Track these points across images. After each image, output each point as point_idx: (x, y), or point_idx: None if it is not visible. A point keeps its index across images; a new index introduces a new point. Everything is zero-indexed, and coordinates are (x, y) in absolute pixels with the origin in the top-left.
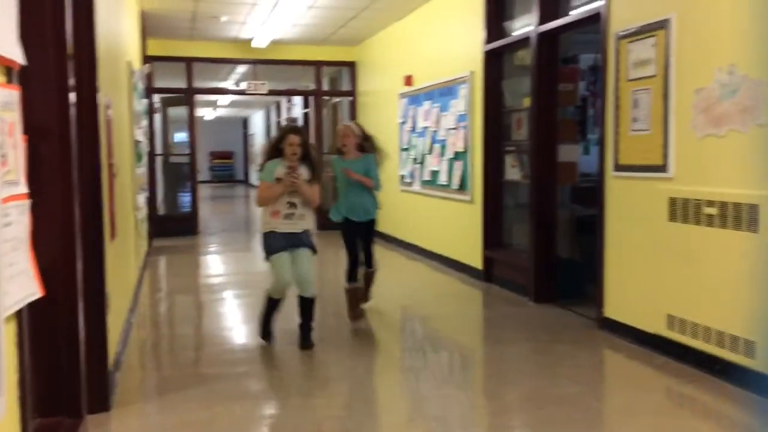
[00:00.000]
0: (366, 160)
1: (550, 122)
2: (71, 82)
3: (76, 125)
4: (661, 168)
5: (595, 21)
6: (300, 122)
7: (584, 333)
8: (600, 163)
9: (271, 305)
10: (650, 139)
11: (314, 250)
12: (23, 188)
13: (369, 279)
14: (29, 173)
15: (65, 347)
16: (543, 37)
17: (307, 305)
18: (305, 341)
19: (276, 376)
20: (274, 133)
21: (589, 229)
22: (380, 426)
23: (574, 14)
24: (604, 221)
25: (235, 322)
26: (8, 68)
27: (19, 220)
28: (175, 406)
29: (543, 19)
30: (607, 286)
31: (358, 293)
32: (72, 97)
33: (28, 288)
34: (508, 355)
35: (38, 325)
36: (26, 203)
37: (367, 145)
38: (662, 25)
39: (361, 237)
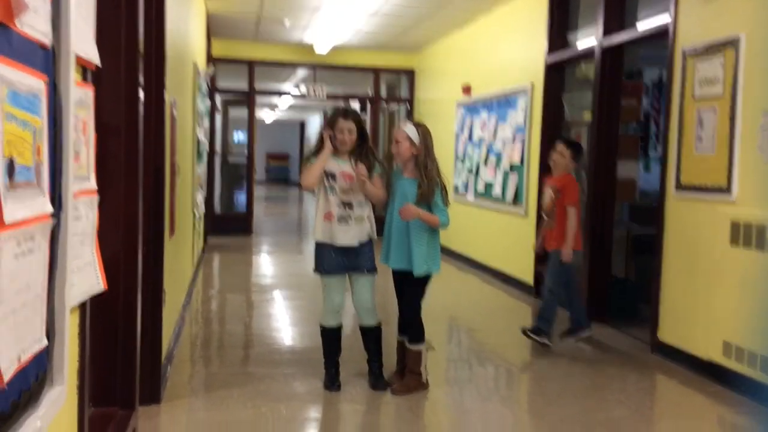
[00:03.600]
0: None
1: (611, 138)
2: (141, 81)
3: (143, 123)
4: (725, 190)
5: (661, 36)
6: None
7: (635, 355)
8: (661, 181)
9: (329, 339)
10: (714, 159)
11: (375, 270)
12: (93, 184)
13: (407, 356)
14: (97, 169)
15: (122, 339)
16: (607, 50)
17: (370, 336)
18: (376, 381)
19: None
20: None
21: (646, 249)
22: None
23: (641, 29)
24: (663, 242)
25: (284, 324)
26: (84, 68)
27: (88, 215)
28: (222, 403)
29: (608, 32)
30: (663, 308)
31: (401, 351)
32: (141, 96)
33: (92, 281)
34: (555, 374)
35: (98, 316)
36: (95, 198)
37: (430, 160)
38: (731, 44)
39: (401, 290)
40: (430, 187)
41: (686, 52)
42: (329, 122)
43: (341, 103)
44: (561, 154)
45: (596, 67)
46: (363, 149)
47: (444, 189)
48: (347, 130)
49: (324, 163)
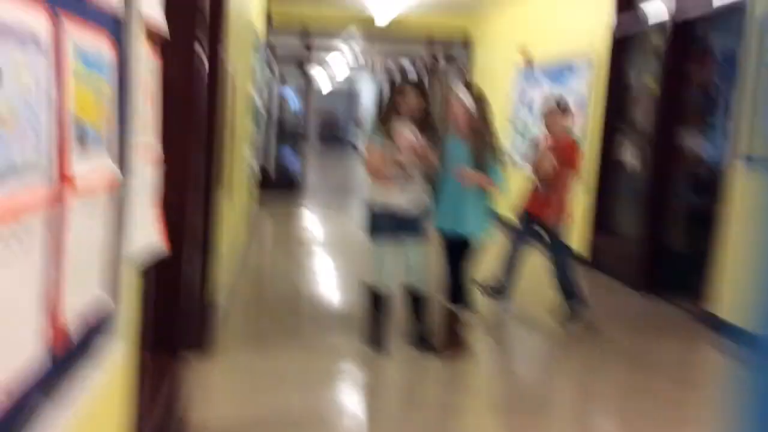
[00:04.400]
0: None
1: (676, 109)
2: (204, 48)
3: (206, 88)
4: None
5: (736, 8)
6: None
7: (689, 328)
8: (726, 153)
9: (377, 301)
10: None
11: (426, 236)
12: (157, 147)
13: (453, 320)
14: (162, 133)
15: (180, 293)
16: (677, 20)
17: (418, 300)
18: (422, 343)
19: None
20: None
21: (704, 221)
22: (467, 403)
23: (716, 5)
24: (725, 215)
25: (332, 283)
26: (151, 35)
27: (152, 177)
28: (268, 354)
29: (680, 6)
30: (719, 282)
31: (453, 321)
32: (204, 62)
33: (153, 238)
34: (608, 346)
35: (157, 270)
36: (158, 161)
37: (483, 130)
38: None
39: (452, 255)
40: (484, 150)
41: (761, 21)
42: (396, 90)
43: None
44: (554, 116)
45: (665, 36)
46: (426, 120)
47: (498, 150)
48: (413, 95)
49: (392, 166)
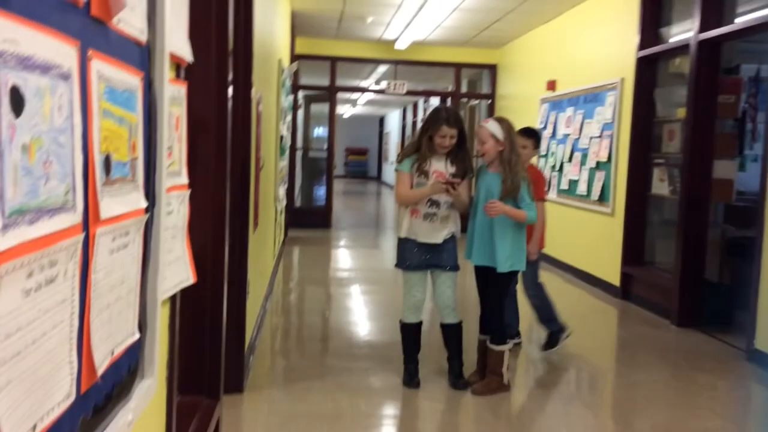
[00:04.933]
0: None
1: (707, 135)
2: (230, 78)
3: (231, 119)
4: None
5: (762, 30)
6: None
7: (730, 363)
8: (762, 182)
9: (408, 335)
10: None
11: (458, 268)
12: (184, 179)
13: (489, 356)
14: (188, 164)
15: (209, 330)
16: (704, 45)
17: (451, 333)
18: (456, 379)
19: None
20: (409, 132)
21: (742, 252)
22: None
23: (741, 22)
24: (763, 244)
25: (363, 318)
26: (178, 65)
27: (180, 209)
28: (302, 394)
29: (705, 26)
30: (761, 315)
31: (488, 355)
32: (229, 92)
33: (183, 274)
34: (643, 380)
35: (186, 308)
36: (186, 193)
37: (510, 156)
38: None
39: (484, 288)
40: (515, 182)
41: None
42: (433, 126)
43: (421, 99)
44: (524, 146)
45: (692, 61)
46: (460, 152)
47: (529, 183)
48: (449, 136)
49: (426, 197)
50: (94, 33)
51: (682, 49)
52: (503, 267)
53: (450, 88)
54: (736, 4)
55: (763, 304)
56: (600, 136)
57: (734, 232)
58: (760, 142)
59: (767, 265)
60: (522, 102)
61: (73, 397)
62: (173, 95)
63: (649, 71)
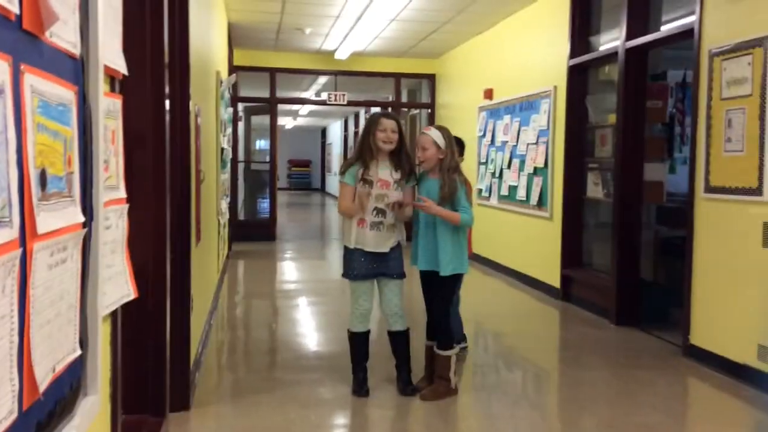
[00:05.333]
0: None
1: (637, 139)
2: (166, 90)
3: (169, 132)
4: (756, 191)
5: (687, 37)
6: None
7: (667, 359)
8: (690, 183)
9: (357, 344)
10: (744, 160)
11: (404, 276)
12: (122, 193)
13: (436, 361)
14: (126, 178)
15: (152, 347)
16: (631, 52)
17: (399, 341)
18: (405, 386)
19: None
20: (351, 142)
21: (675, 251)
22: None
23: (665, 30)
24: (693, 244)
25: (310, 329)
26: (112, 78)
27: (118, 223)
28: (251, 409)
29: (631, 34)
30: (694, 311)
31: (435, 360)
32: (166, 105)
33: (123, 289)
34: (586, 379)
35: (128, 324)
36: (124, 207)
37: (450, 163)
38: (759, 42)
39: (429, 293)
40: (452, 188)
41: (713, 52)
42: (371, 122)
43: (362, 110)
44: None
45: (620, 68)
46: (401, 154)
47: (468, 188)
48: (390, 129)
49: (366, 206)
50: (26, 47)
51: (610, 57)
52: (446, 270)
53: (390, 97)
54: (661, 13)
55: (696, 300)
56: (536, 143)
57: (667, 232)
58: (689, 145)
59: (698, 264)
60: (461, 110)
61: (15, 415)
62: (108, 108)
63: (580, 79)
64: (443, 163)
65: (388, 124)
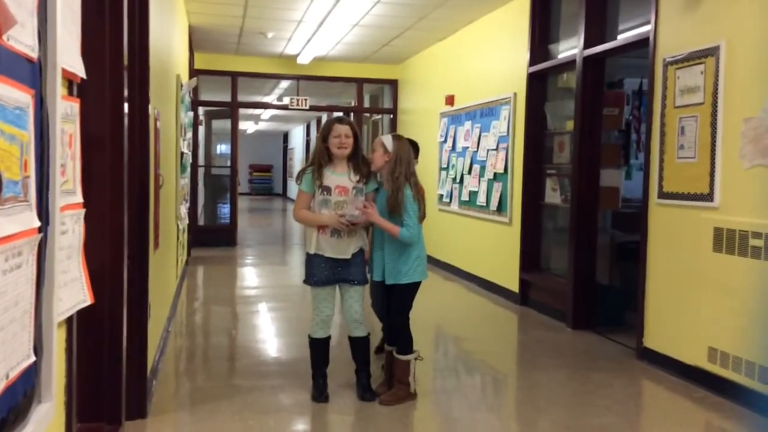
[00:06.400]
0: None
1: (594, 146)
2: (125, 94)
3: (127, 136)
4: (707, 197)
5: (642, 46)
6: None
7: (622, 362)
8: (644, 189)
9: (317, 350)
10: (696, 167)
11: (366, 282)
12: (79, 198)
13: (395, 366)
14: (83, 182)
15: (109, 354)
16: (589, 60)
17: (359, 347)
18: (364, 391)
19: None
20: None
21: (630, 256)
22: None
23: (622, 38)
24: (647, 249)
25: (270, 335)
26: (70, 81)
27: (74, 228)
28: (209, 416)
29: (589, 43)
30: (648, 315)
31: (393, 365)
32: (125, 108)
33: (79, 295)
34: (543, 381)
35: (84, 331)
36: (81, 212)
37: (399, 170)
38: (711, 52)
39: (389, 301)
40: (397, 199)
41: (667, 61)
42: (325, 128)
43: (324, 114)
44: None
45: (578, 76)
46: (357, 158)
47: (421, 202)
48: (344, 135)
49: (322, 222)
50: None
51: (569, 64)
52: (399, 279)
53: (353, 103)
54: (618, 22)
55: (650, 304)
56: (496, 149)
57: (622, 237)
58: (644, 152)
59: (652, 268)
60: (423, 116)
61: None
62: (66, 112)
63: (539, 86)
64: (388, 169)
65: (342, 129)
